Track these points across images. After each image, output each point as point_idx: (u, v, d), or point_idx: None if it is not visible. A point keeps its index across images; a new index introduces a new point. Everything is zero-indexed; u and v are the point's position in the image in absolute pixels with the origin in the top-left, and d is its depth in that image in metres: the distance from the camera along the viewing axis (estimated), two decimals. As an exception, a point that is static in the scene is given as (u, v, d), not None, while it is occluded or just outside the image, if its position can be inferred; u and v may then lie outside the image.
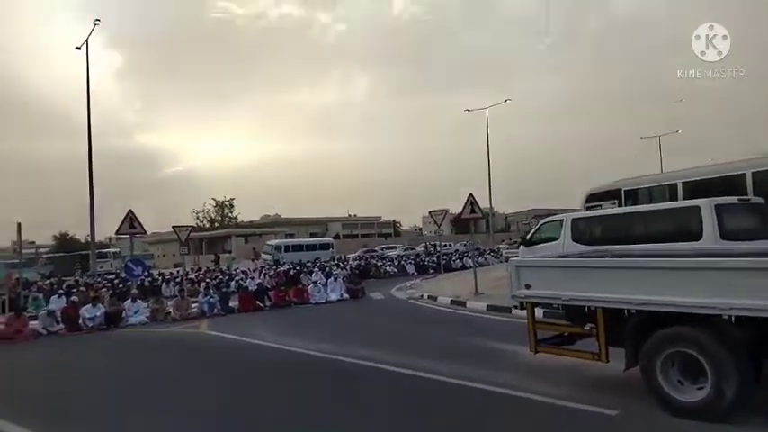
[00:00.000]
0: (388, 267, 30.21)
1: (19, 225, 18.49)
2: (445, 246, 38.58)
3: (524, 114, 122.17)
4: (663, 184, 13.24)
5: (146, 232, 17.71)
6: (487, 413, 5.65)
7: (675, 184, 12.55)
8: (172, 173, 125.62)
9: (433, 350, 8.77)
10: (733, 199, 9.45)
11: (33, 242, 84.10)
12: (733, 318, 4.59)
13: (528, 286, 6.20)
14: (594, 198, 14.14)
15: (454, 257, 34.09)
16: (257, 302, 16.35)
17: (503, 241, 55.94)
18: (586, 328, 5.93)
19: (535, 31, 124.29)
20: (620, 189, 13.77)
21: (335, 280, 18.68)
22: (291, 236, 62.72)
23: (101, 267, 35.24)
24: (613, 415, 5.20)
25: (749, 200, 9.45)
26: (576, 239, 11.35)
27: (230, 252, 53.09)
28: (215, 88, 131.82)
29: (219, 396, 6.88)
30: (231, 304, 16.44)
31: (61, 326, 13.75)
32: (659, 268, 5.23)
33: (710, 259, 5.09)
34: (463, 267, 31.10)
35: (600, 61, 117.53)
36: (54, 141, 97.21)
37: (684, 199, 11.32)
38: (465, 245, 45.16)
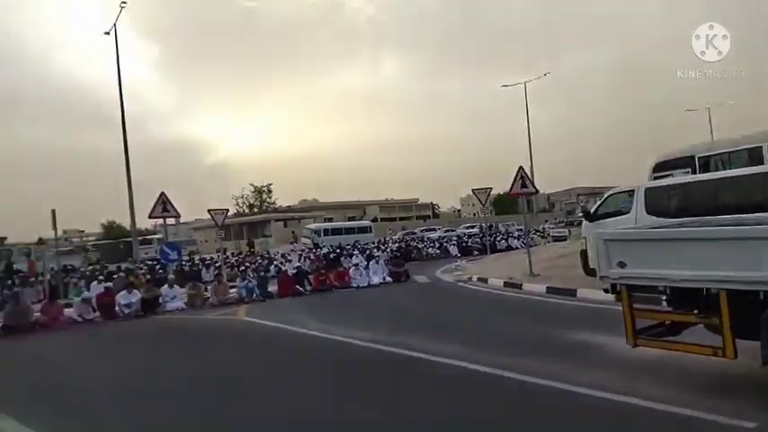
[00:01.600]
0: (430, 249, 29.12)
1: (53, 212, 18.30)
2: (490, 226, 37.12)
3: (558, 93, 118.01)
4: (743, 147, 11.66)
5: (179, 215, 17.08)
6: (585, 423, 4.53)
7: (759, 148, 11.01)
8: (213, 161, 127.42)
9: (496, 340, 7.66)
10: None
11: (83, 231, 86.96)
12: None
13: (622, 264, 5.02)
14: (663, 167, 12.64)
15: (499, 237, 32.68)
16: (297, 287, 15.58)
17: (546, 221, 53.99)
18: (698, 314, 4.75)
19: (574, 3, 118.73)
20: (694, 156, 12.25)
21: (377, 262, 17.71)
22: (329, 220, 62.28)
23: (145, 253, 35.32)
24: (751, 428, 4.03)
25: None
26: (651, 212, 9.96)
27: (270, 236, 52.73)
28: (248, 75, 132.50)
29: (251, 388, 6.02)
30: (270, 289, 15.74)
31: (97, 314, 13.30)
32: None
33: None
34: (509, 248, 29.76)
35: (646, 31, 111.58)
36: (102, 132, 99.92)
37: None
38: (507, 225, 43.68)
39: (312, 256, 24.30)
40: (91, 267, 26.95)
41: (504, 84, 44.54)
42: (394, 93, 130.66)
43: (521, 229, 43.81)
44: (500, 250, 28.72)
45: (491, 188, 22.45)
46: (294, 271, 17.75)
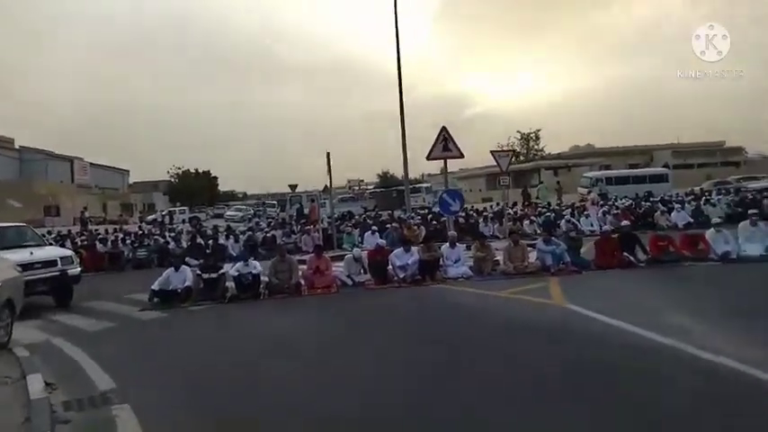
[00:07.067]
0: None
1: (328, 155, 16.97)
2: None
3: None
4: None
5: (462, 155, 13.44)
6: None
7: None
8: (474, 113, 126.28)
9: None
10: None
11: (362, 180, 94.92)
12: None
13: None
14: None
15: None
16: (624, 254, 10.75)
17: None
18: None
19: None
20: None
21: (755, 224, 11.33)
22: (607, 167, 53.92)
23: (415, 202, 34.28)
24: None
25: None
26: None
27: (541, 183, 47.24)
28: (519, 22, 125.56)
29: None
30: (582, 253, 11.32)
31: (368, 276, 10.82)
32: None
33: None
34: None
35: None
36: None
37: None
38: None
39: (616, 210, 18.80)
40: (365, 215, 26.37)
41: None
42: (679, 24, 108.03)
43: None
44: None
45: None
46: (607, 229, 12.85)
